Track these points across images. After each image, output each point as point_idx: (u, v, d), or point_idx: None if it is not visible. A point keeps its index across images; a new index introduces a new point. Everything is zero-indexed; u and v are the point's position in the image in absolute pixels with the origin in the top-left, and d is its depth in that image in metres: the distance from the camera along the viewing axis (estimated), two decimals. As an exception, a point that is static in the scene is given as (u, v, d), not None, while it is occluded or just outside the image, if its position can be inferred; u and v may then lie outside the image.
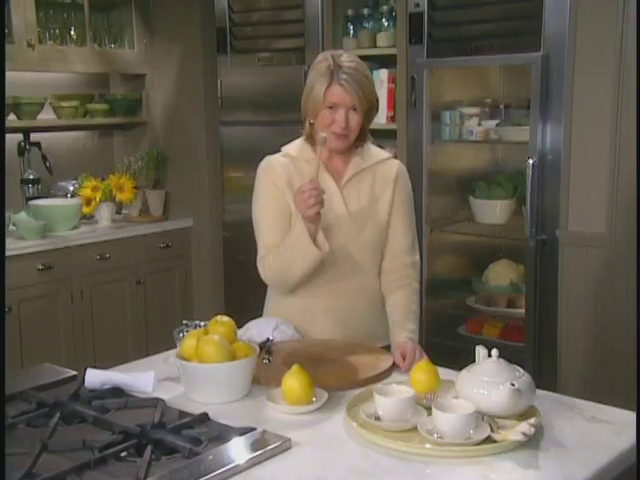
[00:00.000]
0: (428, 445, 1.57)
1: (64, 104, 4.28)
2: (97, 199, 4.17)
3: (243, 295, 4.12)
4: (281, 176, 2.23)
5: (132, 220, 4.38)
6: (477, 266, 3.77)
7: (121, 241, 4.15)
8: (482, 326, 3.59)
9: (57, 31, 4.18)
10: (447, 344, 3.49)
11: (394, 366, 2.04)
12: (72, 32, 4.24)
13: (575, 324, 3.18)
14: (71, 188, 4.32)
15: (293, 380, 1.76)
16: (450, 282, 3.76)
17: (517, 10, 3.21)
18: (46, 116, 4.24)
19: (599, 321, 3.10)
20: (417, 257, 2.34)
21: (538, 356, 3.25)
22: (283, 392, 1.78)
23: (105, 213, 4.23)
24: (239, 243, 4.20)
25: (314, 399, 1.78)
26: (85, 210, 4.16)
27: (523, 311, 3.36)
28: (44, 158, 4.23)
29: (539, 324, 3.28)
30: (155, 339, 4.23)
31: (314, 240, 2.09)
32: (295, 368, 1.78)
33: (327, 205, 2.14)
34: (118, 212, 4.41)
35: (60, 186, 4.35)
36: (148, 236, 4.28)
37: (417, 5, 3.42)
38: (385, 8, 3.68)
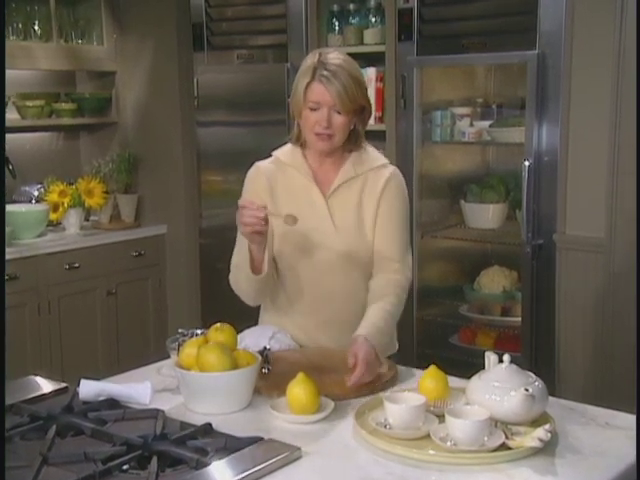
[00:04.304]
0: (442, 452, 1.64)
1: (29, 103, 4.29)
2: (65, 204, 4.18)
3: (221, 306, 4.14)
4: (264, 187, 2.28)
5: (102, 227, 4.39)
6: (469, 273, 3.86)
7: (91, 249, 4.18)
8: (475, 335, 3.67)
9: (20, 25, 4.19)
10: (439, 355, 3.55)
11: (397, 374, 2.10)
12: (36, 27, 4.25)
13: (573, 332, 3.27)
14: (36, 193, 4.33)
15: (298, 389, 1.82)
16: (441, 290, 3.84)
17: (511, 6, 3.31)
18: (9, 116, 4.24)
19: (599, 329, 3.19)
20: (406, 270, 2.26)
21: (535, 366, 3.32)
22: (288, 401, 1.83)
23: (73, 219, 4.24)
24: (217, 251, 4.22)
25: (320, 408, 1.83)
26: (52, 216, 4.17)
27: (518, 319, 3.45)
28: (7, 161, 4.23)
29: (536, 333, 3.37)
30: (127, 352, 4.26)
31: (258, 261, 2.15)
32: (300, 377, 1.84)
33: (312, 218, 2.23)
34: (87, 218, 4.42)
35: (24, 191, 4.35)
36: (119, 244, 4.31)
37: (406, 0, 3.51)
38: (372, 3, 3.75)
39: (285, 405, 1.85)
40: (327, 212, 2.25)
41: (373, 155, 2.32)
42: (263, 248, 2.15)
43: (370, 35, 3.75)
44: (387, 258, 2.24)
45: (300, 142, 2.29)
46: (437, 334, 3.76)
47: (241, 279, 2.24)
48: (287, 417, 1.82)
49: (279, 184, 2.29)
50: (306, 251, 2.24)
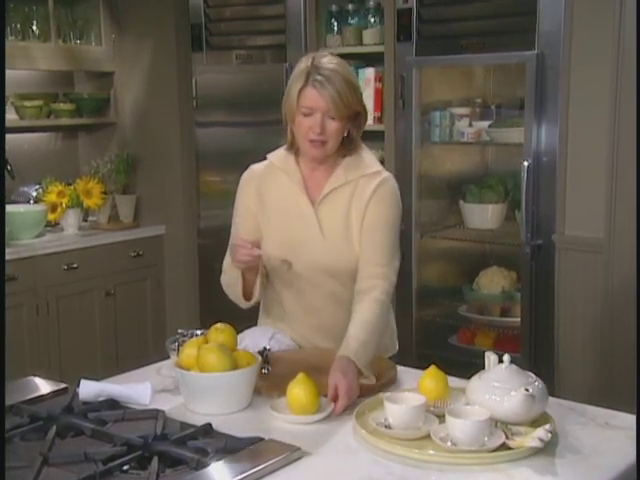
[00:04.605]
0: (442, 452, 1.64)
1: (27, 103, 4.30)
2: (63, 205, 4.18)
3: (220, 306, 4.13)
4: (253, 194, 2.29)
5: (101, 227, 4.40)
6: (468, 273, 3.87)
7: (89, 250, 4.18)
8: (475, 336, 3.68)
9: (18, 26, 4.19)
10: (438, 355, 3.55)
11: (397, 374, 2.11)
12: (34, 27, 4.26)
13: (573, 332, 3.28)
14: (34, 193, 4.33)
15: (298, 389, 1.83)
16: (440, 290, 3.85)
17: (510, 7, 3.31)
18: (8, 116, 4.24)
19: (598, 329, 3.20)
20: (391, 275, 2.20)
21: (534, 366, 3.33)
22: (288, 401, 1.84)
23: (72, 220, 4.24)
24: (215, 251, 4.16)
25: (320, 408, 1.84)
26: (50, 217, 4.18)
27: (518, 320, 3.46)
28: (5, 161, 4.24)
29: (535, 333, 3.38)
30: (125, 353, 4.27)
31: (250, 284, 2.21)
32: (300, 377, 1.85)
33: (300, 225, 2.23)
34: (85, 219, 4.42)
35: (22, 191, 4.36)
36: (118, 244, 4.31)
37: (405, 1, 3.51)
38: (371, 4, 3.76)
39: (285, 405, 1.85)
40: (315, 220, 2.23)
41: (367, 161, 2.26)
42: (255, 274, 2.20)
43: (369, 35, 3.75)
44: (372, 262, 2.18)
45: (294, 149, 2.26)
46: (436, 334, 3.76)
47: (231, 292, 2.30)
48: (287, 417, 1.83)
49: (269, 190, 2.29)
50: (294, 259, 2.21)
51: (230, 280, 2.28)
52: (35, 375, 2.14)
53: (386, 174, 2.27)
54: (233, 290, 2.27)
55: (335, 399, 1.89)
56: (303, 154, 2.24)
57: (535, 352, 3.38)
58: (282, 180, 2.27)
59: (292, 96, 2.14)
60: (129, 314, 4.36)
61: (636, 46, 2.91)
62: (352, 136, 2.21)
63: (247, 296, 2.24)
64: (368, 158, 2.27)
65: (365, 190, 2.21)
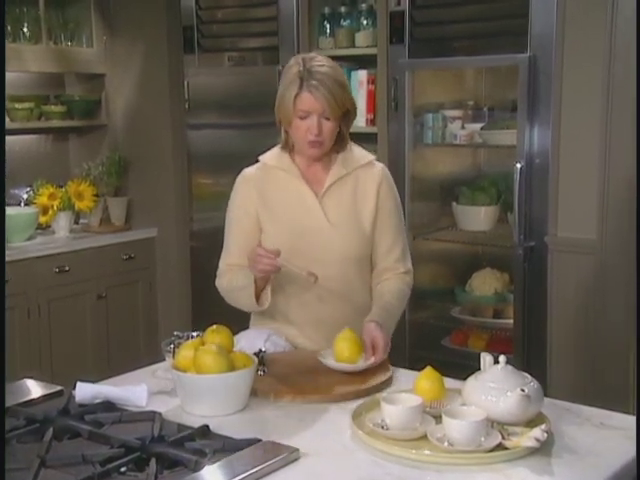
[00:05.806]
0: (439, 453, 1.65)
1: (18, 106, 4.30)
2: (54, 207, 4.18)
3: (212, 309, 4.13)
4: (253, 197, 2.33)
5: (92, 230, 4.41)
6: (460, 275, 3.88)
7: (81, 252, 4.18)
8: (467, 338, 3.70)
9: (9, 27, 4.19)
10: (431, 357, 3.56)
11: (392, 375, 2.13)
12: (25, 29, 4.26)
13: (565, 334, 3.30)
14: (25, 196, 4.34)
15: (343, 343, 2.10)
16: (433, 292, 3.86)
17: (503, 9, 3.34)
18: (-2, 118, 4.24)
19: (590, 330, 3.22)
20: (409, 265, 2.44)
21: (527, 367, 3.34)
22: (334, 352, 2.10)
23: (63, 222, 4.25)
24: (208, 254, 4.16)
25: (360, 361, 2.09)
26: (41, 219, 4.18)
27: (510, 321, 3.48)
28: (-1, 163, 4.23)
29: (528, 334, 3.40)
30: (118, 355, 4.27)
31: (262, 289, 2.24)
32: (346, 332, 2.11)
33: (306, 217, 2.29)
34: (77, 222, 4.43)
35: (13, 194, 4.36)
36: (110, 247, 4.32)
37: (398, 3, 3.53)
38: (364, 6, 3.78)
39: (332, 355, 2.11)
40: (320, 210, 2.30)
41: (358, 153, 2.40)
42: (266, 281, 2.23)
43: (361, 38, 3.76)
44: (393, 260, 2.37)
45: (289, 147, 2.34)
46: (429, 336, 3.78)
47: (234, 297, 2.34)
48: (334, 364, 2.09)
49: (269, 189, 2.34)
50: (301, 250, 2.26)
51: (234, 285, 2.31)
52: (30, 377, 2.14)
53: (381, 165, 2.43)
54: (238, 295, 2.30)
55: (374, 352, 2.11)
56: (299, 153, 2.33)
57: (528, 353, 3.40)
58: (280, 177, 2.34)
59: (288, 102, 2.22)
60: (121, 317, 4.36)
61: (636, 48, 2.92)
62: (343, 133, 2.33)
63: (258, 298, 2.26)
64: (358, 151, 2.42)
65: (369, 178, 2.36)
